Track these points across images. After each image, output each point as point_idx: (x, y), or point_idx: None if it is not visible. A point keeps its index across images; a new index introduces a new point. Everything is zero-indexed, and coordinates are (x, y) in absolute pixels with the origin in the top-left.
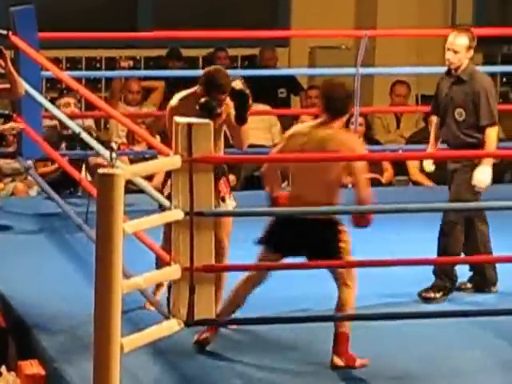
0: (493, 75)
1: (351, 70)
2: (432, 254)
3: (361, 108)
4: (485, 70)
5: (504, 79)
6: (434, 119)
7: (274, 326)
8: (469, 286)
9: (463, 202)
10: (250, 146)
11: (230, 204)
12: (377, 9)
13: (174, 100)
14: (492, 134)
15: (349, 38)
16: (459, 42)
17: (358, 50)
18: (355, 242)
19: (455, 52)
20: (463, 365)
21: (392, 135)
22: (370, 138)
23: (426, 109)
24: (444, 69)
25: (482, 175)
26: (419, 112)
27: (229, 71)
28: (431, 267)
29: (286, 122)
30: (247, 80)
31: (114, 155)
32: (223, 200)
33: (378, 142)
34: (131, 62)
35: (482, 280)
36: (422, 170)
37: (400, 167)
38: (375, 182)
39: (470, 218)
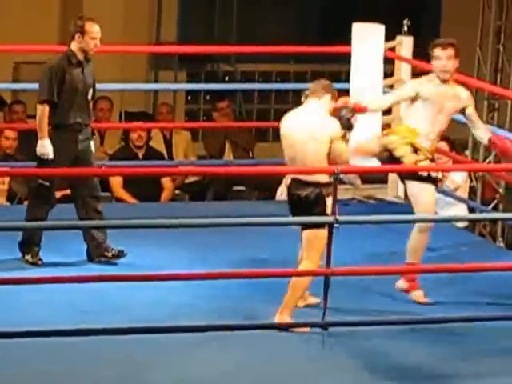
0: (196, 92)
1: None
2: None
3: None
4: (188, 87)
5: (207, 97)
6: None
7: None
8: None
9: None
10: None
11: None
12: None
13: None
14: None
15: (54, 54)
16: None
17: None
18: None
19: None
20: None
21: (96, 152)
22: None
23: (127, 126)
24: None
25: None
26: (122, 128)
27: None
28: None
29: None
30: None
31: None
32: None
33: None
34: None
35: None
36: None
37: (103, 184)
38: None
39: None
